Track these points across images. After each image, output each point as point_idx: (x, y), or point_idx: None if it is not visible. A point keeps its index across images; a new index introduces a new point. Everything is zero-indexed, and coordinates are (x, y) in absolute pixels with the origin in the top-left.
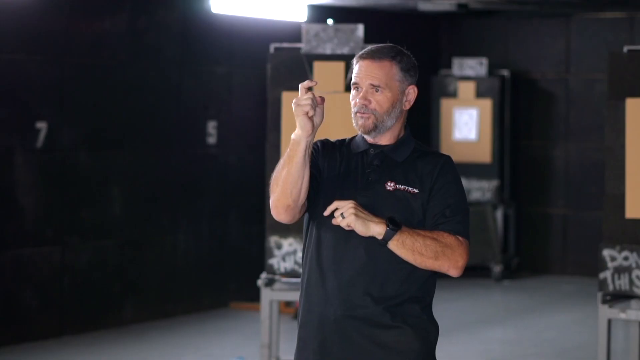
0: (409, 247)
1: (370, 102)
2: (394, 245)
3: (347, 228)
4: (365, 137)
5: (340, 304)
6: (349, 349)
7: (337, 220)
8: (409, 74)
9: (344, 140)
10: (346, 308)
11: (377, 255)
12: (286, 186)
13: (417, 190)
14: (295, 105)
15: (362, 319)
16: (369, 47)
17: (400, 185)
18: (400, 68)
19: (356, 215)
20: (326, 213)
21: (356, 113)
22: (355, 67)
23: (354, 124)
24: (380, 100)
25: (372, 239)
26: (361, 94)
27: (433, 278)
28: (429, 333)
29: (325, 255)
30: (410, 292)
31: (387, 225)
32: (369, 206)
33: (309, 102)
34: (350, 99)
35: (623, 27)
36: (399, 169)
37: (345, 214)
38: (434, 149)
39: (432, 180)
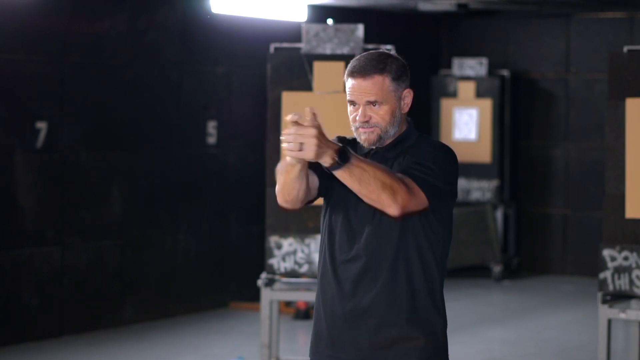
0: (357, 178)
1: (370, 117)
2: (339, 175)
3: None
4: None
5: (349, 300)
6: (359, 344)
7: (289, 152)
8: (401, 79)
9: (355, 138)
10: (354, 304)
11: (383, 251)
12: (284, 189)
13: None
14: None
15: (370, 315)
16: (356, 59)
17: None
18: (391, 79)
19: (317, 149)
20: (283, 144)
21: (358, 128)
22: (348, 84)
23: (357, 138)
24: (381, 114)
25: (378, 233)
26: (360, 112)
27: (440, 269)
28: (436, 328)
29: (336, 251)
30: (417, 285)
31: (336, 160)
32: (369, 210)
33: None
34: (348, 114)
35: (623, 27)
36: (391, 163)
37: (306, 146)
38: (436, 140)
39: (410, 153)
